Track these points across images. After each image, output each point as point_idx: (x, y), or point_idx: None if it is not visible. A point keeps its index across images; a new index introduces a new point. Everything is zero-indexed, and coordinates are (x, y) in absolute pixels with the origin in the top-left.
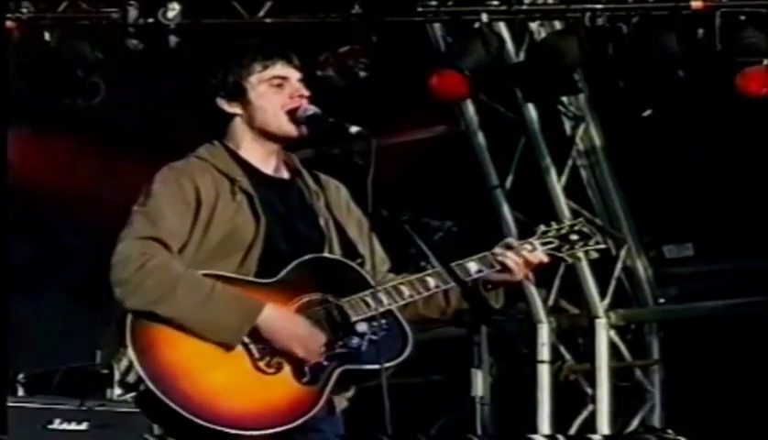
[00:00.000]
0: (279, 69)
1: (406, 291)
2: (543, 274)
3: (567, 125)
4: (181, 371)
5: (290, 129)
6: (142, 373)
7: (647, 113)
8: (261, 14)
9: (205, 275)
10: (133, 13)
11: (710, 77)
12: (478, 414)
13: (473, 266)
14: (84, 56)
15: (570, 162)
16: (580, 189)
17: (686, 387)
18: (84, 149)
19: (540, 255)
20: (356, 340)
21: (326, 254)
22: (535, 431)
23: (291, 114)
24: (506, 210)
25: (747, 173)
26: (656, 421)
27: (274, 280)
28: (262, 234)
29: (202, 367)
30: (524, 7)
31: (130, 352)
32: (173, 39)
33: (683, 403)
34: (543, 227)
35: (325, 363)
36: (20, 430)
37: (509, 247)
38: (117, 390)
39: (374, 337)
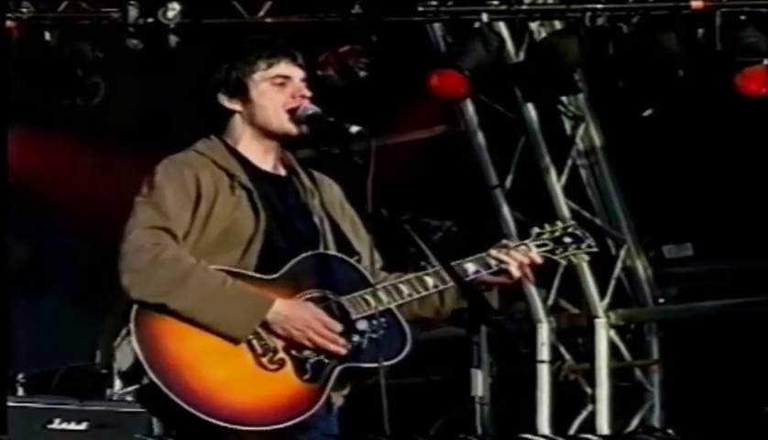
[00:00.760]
0: (283, 67)
1: (405, 289)
2: (542, 274)
3: (567, 124)
4: (185, 365)
5: (289, 128)
6: (146, 365)
7: (647, 113)
8: (261, 14)
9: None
10: (133, 13)
11: (710, 77)
12: (478, 414)
13: (470, 266)
14: (84, 56)
15: (570, 162)
16: (580, 189)
17: (686, 387)
18: (83, 149)
19: (534, 256)
20: (356, 338)
21: (328, 251)
22: (535, 431)
23: (292, 113)
24: (506, 210)
25: (747, 173)
26: (656, 421)
27: (277, 275)
28: (262, 229)
29: (206, 361)
30: (524, 7)
31: (134, 344)
32: (173, 39)
33: (682, 403)
34: (537, 229)
35: (326, 361)
36: (20, 430)
37: (504, 248)
38: (117, 384)
39: (374, 335)
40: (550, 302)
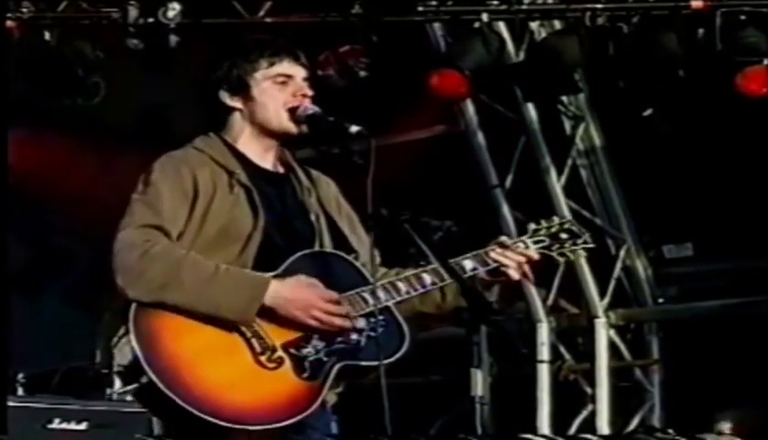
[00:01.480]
0: (286, 66)
1: (403, 287)
2: (542, 274)
3: (567, 124)
4: (184, 363)
5: (289, 127)
6: (145, 365)
7: (647, 113)
8: (261, 13)
9: None
10: (133, 13)
11: (710, 77)
12: (478, 414)
13: (468, 263)
14: (84, 56)
15: (570, 162)
16: (580, 189)
17: (686, 387)
18: (83, 149)
19: (531, 253)
20: (355, 336)
21: (325, 248)
22: (535, 431)
23: (292, 112)
24: (506, 210)
25: (747, 173)
26: (656, 421)
27: (276, 272)
28: (260, 227)
29: (205, 360)
30: (524, 7)
31: (133, 342)
32: (173, 39)
33: (682, 403)
34: (533, 225)
35: (325, 358)
36: (20, 430)
37: (502, 246)
38: (117, 383)
39: (372, 333)
40: (550, 301)
